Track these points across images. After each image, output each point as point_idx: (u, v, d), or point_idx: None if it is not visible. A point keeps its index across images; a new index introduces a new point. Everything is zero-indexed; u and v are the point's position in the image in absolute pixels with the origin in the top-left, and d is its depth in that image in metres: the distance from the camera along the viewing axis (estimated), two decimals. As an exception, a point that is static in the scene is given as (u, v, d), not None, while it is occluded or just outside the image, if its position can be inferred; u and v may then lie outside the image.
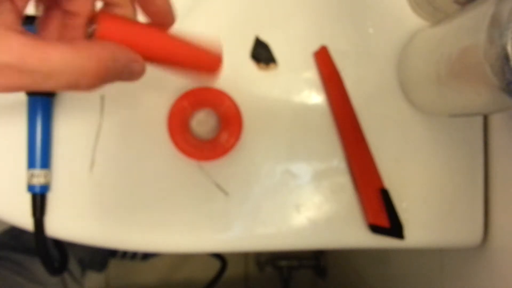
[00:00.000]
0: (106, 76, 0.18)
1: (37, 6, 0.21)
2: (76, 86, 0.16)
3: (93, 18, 0.20)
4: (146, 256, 1.08)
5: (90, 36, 0.20)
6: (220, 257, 0.65)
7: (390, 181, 0.36)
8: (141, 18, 0.22)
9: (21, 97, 0.33)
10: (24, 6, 0.17)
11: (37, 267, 0.61)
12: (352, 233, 0.36)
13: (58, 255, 0.40)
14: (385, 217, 0.35)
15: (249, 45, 0.36)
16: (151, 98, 0.35)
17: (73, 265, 0.72)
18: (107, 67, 0.18)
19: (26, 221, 0.34)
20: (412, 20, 0.37)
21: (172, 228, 0.35)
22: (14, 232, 0.68)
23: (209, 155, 0.34)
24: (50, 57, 0.15)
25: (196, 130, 0.34)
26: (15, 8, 0.16)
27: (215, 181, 0.35)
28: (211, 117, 0.34)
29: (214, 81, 0.27)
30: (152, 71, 0.35)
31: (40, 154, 0.33)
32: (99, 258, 0.93)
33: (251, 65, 0.36)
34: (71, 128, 0.35)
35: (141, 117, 0.35)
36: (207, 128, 0.34)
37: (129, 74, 0.21)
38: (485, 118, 0.37)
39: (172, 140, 0.34)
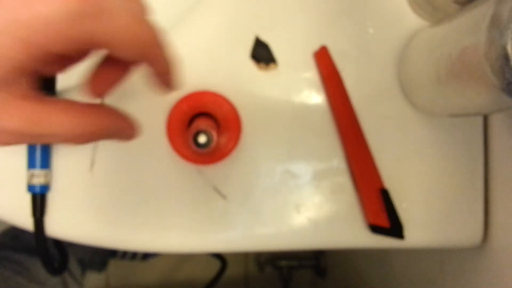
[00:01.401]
0: (97, 139, 0.21)
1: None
2: (68, 143, 0.19)
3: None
4: (146, 256, 1.08)
5: None
6: (220, 257, 0.65)
7: (390, 181, 0.36)
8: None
9: (21, 97, 0.33)
10: (52, 72, 0.19)
11: (37, 267, 0.62)
12: (352, 233, 0.36)
13: (58, 255, 0.40)
14: (385, 217, 0.35)
15: (249, 45, 0.36)
16: (150, 101, 0.35)
17: (73, 265, 0.72)
18: (99, 134, 0.21)
19: (26, 221, 0.34)
20: (412, 20, 0.37)
21: (172, 228, 0.35)
22: (14, 232, 0.68)
23: (208, 159, 0.34)
24: (50, 124, 0.17)
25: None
26: (32, 77, 0.17)
27: (214, 184, 0.35)
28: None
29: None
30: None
31: (40, 154, 0.33)
32: (99, 258, 0.93)
33: (251, 65, 0.36)
34: (71, 128, 0.35)
35: (141, 119, 0.35)
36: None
37: (119, 138, 0.24)
38: (485, 118, 0.37)
39: (170, 144, 0.34)
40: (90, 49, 0.17)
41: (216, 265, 0.64)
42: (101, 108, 0.22)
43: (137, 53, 0.19)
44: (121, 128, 0.24)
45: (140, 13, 0.18)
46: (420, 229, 0.36)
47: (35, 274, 0.61)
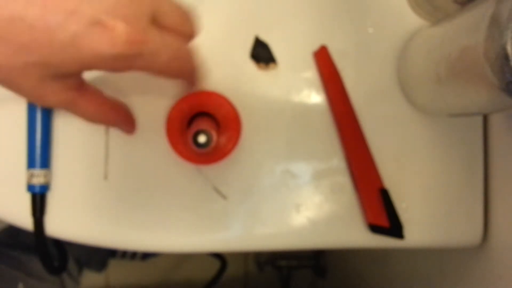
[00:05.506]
0: (105, 124, 0.34)
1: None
2: (87, 121, 0.30)
3: None
4: (146, 256, 1.08)
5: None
6: (220, 257, 0.65)
7: (390, 181, 0.36)
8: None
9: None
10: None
11: (34, 263, 0.62)
12: (352, 233, 0.36)
13: (57, 254, 0.40)
14: (385, 217, 0.35)
15: (248, 45, 0.36)
16: (150, 101, 0.35)
17: (70, 263, 0.73)
18: (107, 122, 0.32)
19: (26, 221, 0.34)
20: (412, 20, 0.36)
21: (171, 228, 0.35)
22: (11, 230, 0.68)
23: (208, 159, 0.34)
24: (79, 107, 0.27)
25: None
26: (79, 77, 0.26)
27: (214, 184, 0.35)
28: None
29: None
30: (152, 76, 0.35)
31: (40, 153, 0.33)
32: (98, 257, 0.93)
33: (250, 65, 0.36)
34: (71, 127, 0.35)
35: (141, 119, 0.35)
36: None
37: (120, 128, 0.34)
38: (485, 118, 0.37)
39: (170, 144, 0.34)
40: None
41: (216, 265, 0.64)
42: (115, 105, 0.31)
43: (173, 77, 0.25)
44: (123, 123, 0.33)
45: (178, 50, 0.24)
46: (420, 229, 0.36)
47: (32, 269, 0.61)
